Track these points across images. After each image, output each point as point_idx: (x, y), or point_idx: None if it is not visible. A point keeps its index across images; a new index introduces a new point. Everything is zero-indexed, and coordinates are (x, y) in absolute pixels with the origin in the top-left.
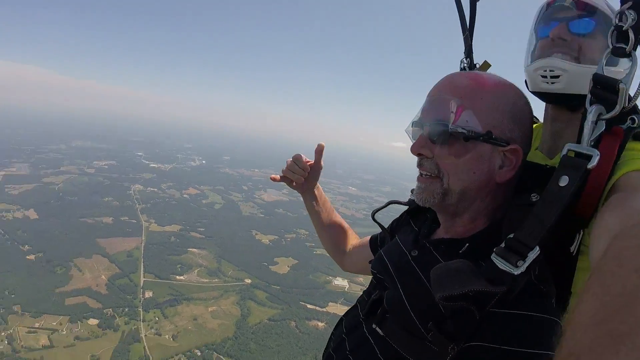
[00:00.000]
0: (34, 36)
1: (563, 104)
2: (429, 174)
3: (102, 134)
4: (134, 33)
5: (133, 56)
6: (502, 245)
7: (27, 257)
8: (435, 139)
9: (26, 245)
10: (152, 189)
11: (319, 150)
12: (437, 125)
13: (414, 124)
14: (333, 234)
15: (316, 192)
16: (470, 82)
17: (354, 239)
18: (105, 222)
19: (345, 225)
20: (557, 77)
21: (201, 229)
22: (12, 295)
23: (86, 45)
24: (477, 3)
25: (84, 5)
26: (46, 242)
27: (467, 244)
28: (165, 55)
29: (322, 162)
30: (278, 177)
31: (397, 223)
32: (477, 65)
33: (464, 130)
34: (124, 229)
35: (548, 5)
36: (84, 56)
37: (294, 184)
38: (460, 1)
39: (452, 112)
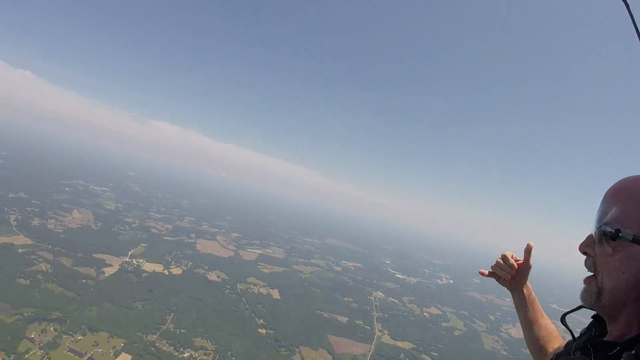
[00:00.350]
0: (310, 148)
1: None
2: (591, 273)
3: (355, 236)
4: (398, 147)
5: (394, 167)
6: (632, 351)
7: (259, 330)
8: (595, 238)
9: (261, 320)
10: (392, 299)
11: (528, 250)
12: (596, 224)
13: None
14: (537, 336)
15: (525, 290)
16: (629, 185)
17: (557, 343)
18: (339, 321)
19: (552, 328)
20: None
21: (434, 354)
22: (233, 358)
23: (351, 158)
24: None
25: (357, 128)
26: (280, 322)
27: (618, 348)
28: (426, 168)
29: (530, 262)
30: (487, 272)
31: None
32: None
33: (611, 230)
34: (356, 333)
35: None
36: (348, 166)
37: (502, 280)
38: None
39: (608, 212)
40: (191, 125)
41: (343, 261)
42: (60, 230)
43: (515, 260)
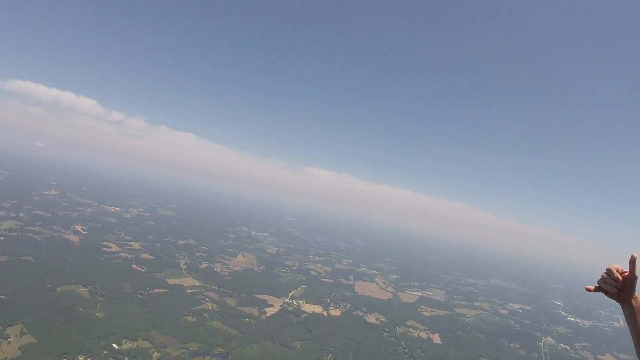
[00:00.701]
0: (469, 183)
1: None
2: None
3: (522, 276)
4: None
5: (565, 196)
6: None
7: None
8: None
9: None
10: (564, 346)
11: (632, 261)
12: None
13: None
14: None
15: (634, 302)
16: None
17: None
18: None
19: None
20: None
21: None
22: None
23: (514, 190)
24: None
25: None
26: None
27: None
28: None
29: (637, 273)
30: (592, 287)
31: None
32: None
33: None
34: None
35: None
36: (511, 199)
37: (610, 294)
38: None
39: None
40: (345, 169)
41: (509, 303)
42: (225, 273)
43: (621, 273)
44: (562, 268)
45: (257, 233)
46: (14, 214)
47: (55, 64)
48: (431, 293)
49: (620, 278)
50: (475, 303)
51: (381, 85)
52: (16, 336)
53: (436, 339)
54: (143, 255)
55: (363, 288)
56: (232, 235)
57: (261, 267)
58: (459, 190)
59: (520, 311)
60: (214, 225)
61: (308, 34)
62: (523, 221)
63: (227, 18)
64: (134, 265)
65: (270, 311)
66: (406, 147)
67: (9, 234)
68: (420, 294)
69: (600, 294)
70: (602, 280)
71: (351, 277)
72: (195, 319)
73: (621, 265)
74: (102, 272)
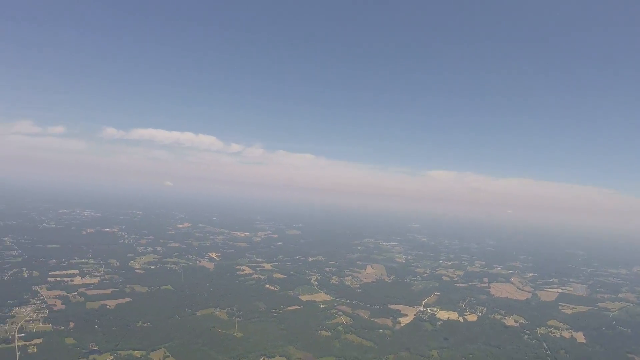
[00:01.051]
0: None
1: None
2: None
3: None
4: None
5: None
6: None
7: None
8: None
9: None
10: None
11: None
12: None
13: None
14: None
15: None
16: None
17: None
18: None
19: None
20: None
21: None
22: None
23: None
24: None
25: None
26: None
27: None
28: None
29: None
30: None
31: None
32: None
33: None
34: None
35: None
36: None
37: None
38: None
39: None
40: (468, 167)
41: None
42: (356, 285)
43: None
44: None
45: (384, 243)
46: (151, 249)
47: (172, 109)
48: (572, 288)
49: None
50: (620, 295)
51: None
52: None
53: (580, 337)
54: (275, 275)
55: (499, 290)
56: (359, 248)
57: (391, 277)
58: (593, 173)
59: None
60: (340, 239)
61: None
62: None
63: (328, 46)
64: (268, 285)
65: (404, 321)
66: (527, 134)
67: (149, 267)
68: (560, 290)
69: None
70: None
71: (485, 280)
72: (329, 333)
73: None
74: (238, 294)
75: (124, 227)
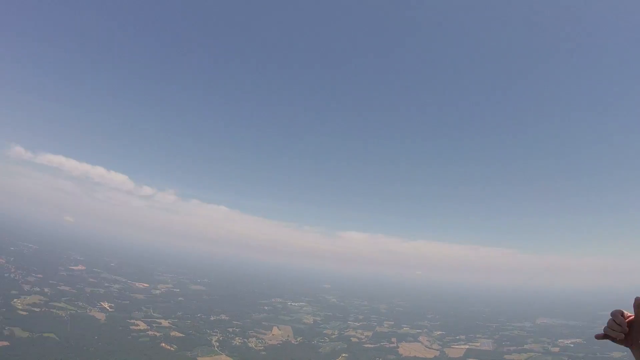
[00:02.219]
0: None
1: None
2: None
3: (569, 310)
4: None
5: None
6: None
7: None
8: None
9: None
10: None
11: (637, 304)
12: None
13: None
14: None
15: None
16: None
17: None
18: None
19: None
20: None
21: None
22: None
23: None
24: None
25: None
26: None
27: None
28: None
29: None
30: (600, 334)
31: None
32: None
33: None
34: None
35: None
36: (549, 236)
37: (617, 340)
38: None
39: None
40: (379, 230)
41: (560, 340)
42: (261, 348)
43: (627, 317)
44: (608, 295)
45: (293, 303)
46: (38, 289)
47: (87, 139)
48: (479, 344)
49: (626, 322)
50: (525, 346)
51: (405, 151)
52: None
53: None
54: (173, 333)
55: (407, 349)
56: (266, 308)
57: (298, 339)
58: (496, 235)
59: (572, 345)
60: (247, 298)
61: (331, 105)
62: (565, 255)
63: (255, 94)
64: (163, 344)
65: None
66: (435, 201)
67: (32, 309)
68: (467, 346)
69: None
70: (608, 327)
71: (394, 339)
72: None
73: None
74: (129, 352)
75: (12, 259)
